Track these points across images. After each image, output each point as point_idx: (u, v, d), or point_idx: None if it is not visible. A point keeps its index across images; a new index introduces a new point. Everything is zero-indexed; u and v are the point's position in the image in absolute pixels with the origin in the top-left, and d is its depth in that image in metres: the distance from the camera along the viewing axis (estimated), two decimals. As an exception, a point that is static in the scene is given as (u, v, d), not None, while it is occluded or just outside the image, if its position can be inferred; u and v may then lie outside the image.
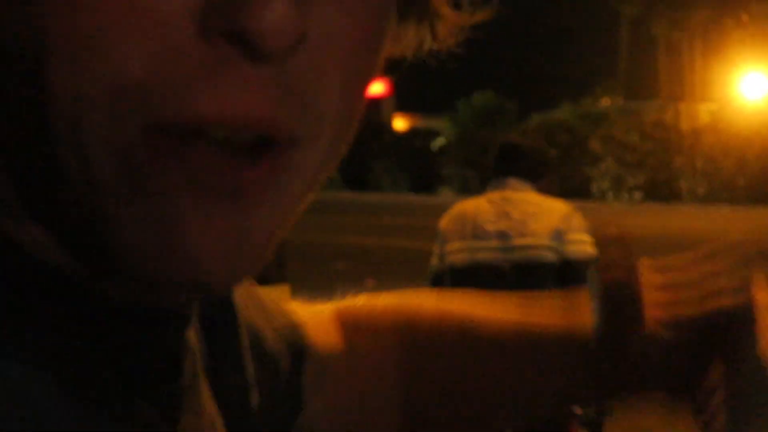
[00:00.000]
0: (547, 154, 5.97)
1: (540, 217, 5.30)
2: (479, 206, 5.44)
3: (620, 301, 1.04)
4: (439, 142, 50.22)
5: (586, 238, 5.25)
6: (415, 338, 1.16)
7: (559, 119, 47.61)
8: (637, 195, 41.04)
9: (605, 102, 54.00)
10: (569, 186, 42.32)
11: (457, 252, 5.47)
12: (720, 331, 1.00)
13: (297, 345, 1.07)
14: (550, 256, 5.23)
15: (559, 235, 5.26)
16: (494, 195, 5.43)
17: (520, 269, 5.16)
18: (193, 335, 0.82)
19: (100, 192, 0.60)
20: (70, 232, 0.65)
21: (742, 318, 1.01)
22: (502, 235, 5.24)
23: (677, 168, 39.87)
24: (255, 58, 0.58)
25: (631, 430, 7.21)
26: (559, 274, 5.23)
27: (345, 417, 1.13)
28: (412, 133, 45.85)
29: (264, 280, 4.11)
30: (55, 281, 0.66)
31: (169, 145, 0.60)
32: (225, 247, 0.62)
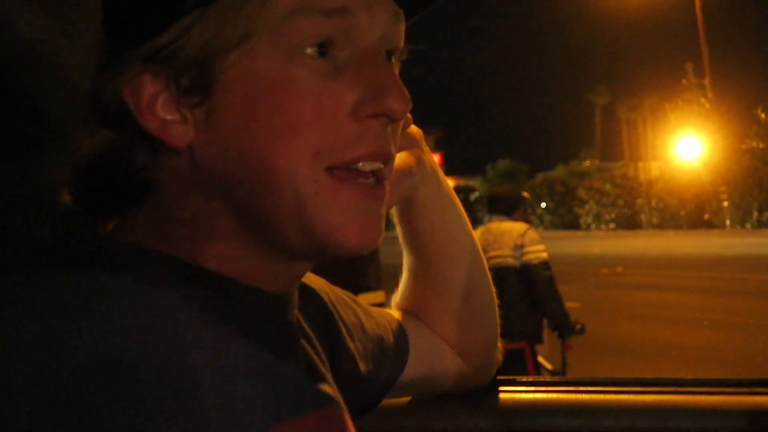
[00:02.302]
0: (518, 196, 5.85)
1: (505, 236, 5.36)
2: (476, 234, 5.55)
3: None
4: (475, 195, 50.52)
5: (538, 248, 5.35)
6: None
7: (556, 176, 47.58)
8: (612, 226, 40.74)
9: (587, 163, 53.77)
10: (564, 221, 41.97)
11: None
12: None
13: (399, 326, 1.15)
14: (512, 262, 5.30)
15: (518, 247, 5.32)
16: (484, 227, 5.56)
17: (494, 271, 5.15)
18: (305, 325, 0.94)
19: (307, 204, 0.75)
20: (291, 240, 0.77)
21: None
22: (484, 250, 5.27)
23: (638, 206, 39.56)
24: (392, 122, 0.78)
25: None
26: (520, 274, 5.30)
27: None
28: (456, 189, 45.56)
29: (367, 288, 4.07)
30: (243, 290, 0.80)
31: (341, 176, 0.76)
32: (372, 226, 0.78)
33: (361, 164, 0.76)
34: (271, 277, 0.81)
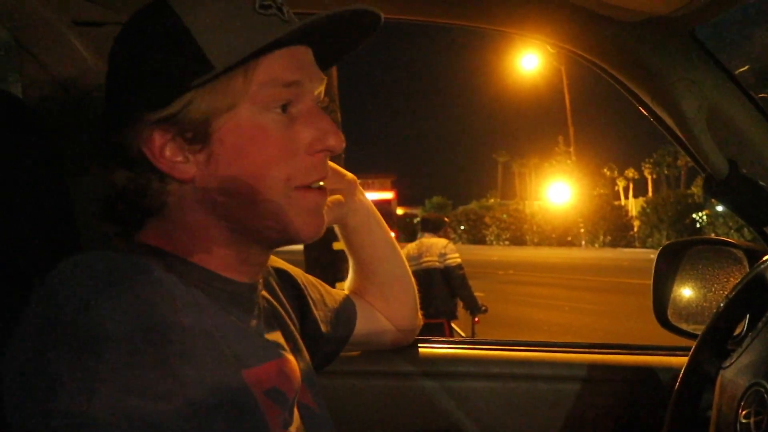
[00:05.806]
0: (441, 220, 5.79)
1: (433, 247, 5.31)
2: (413, 246, 5.44)
3: None
4: (416, 220, 50.64)
5: (455, 255, 5.30)
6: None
7: (470, 209, 47.74)
8: (506, 242, 40.87)
9: (491, 200, 54.16)
10: (475, 239, 42.16)
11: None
12: None
13: (350, 302, 1.12)
14: (438, 265, 5.24)
15: (442, 254, 5.27)
16: (419, 240, 5.48)
17: (425, 271, 5.14)
18: (283, 298, 0.94)
19: (282, 212, 0.75)
20: (269, 235, 0.77)
21: None
22: (419, 257, 5.23)
23: (525, 230, 39.80)
24: (332, 155, 0.79)
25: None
26: (443, 273, 5.24)
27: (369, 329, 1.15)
28: (405, 216, 45.76)
29: (342, 279, 3.88)
30: (226, 281, 0.78)
31: (304, 191, 0.76)
32: (319, 223, 0.79)
33: (313, 184, 0.77)
34: (242, 269, 0.79)
